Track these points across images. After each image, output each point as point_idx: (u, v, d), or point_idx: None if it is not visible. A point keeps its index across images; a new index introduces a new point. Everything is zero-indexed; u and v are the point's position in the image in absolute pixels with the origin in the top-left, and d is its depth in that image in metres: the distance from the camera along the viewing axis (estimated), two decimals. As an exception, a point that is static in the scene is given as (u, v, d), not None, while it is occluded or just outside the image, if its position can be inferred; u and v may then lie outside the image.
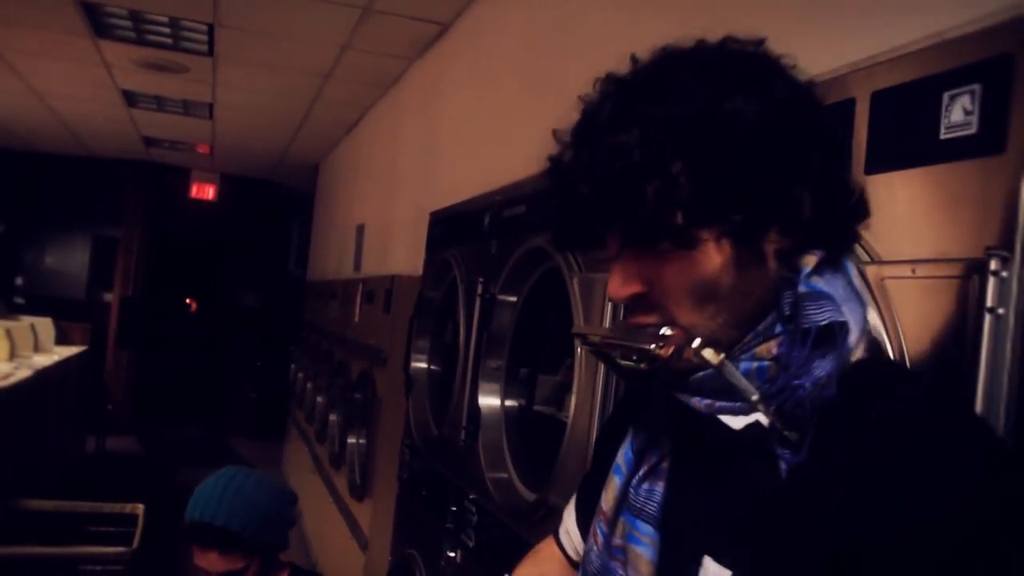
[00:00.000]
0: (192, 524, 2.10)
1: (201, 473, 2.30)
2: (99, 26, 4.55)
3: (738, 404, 0.81)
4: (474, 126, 3.43)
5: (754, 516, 0.78)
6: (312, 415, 5.87)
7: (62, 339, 6.73)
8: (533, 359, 2.43)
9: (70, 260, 9.63)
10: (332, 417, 5.08)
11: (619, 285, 0.83)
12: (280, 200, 10.15)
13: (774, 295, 0.81)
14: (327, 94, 5.44)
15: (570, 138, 0.84)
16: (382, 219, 4.95)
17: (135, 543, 3.46)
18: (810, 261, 0.80)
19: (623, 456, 0.95)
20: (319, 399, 5.68)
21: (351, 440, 4.46)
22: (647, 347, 0.81)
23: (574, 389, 1.80)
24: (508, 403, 2.39)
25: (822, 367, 0.78)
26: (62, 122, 7.41)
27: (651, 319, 0.83)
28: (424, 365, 3.20)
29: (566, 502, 1.80)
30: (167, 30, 4.54)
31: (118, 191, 9.40)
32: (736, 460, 0.81)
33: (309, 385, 6.17)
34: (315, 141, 7.12)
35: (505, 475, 2.22)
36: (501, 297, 2.35)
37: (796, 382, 0.78)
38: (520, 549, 2.02)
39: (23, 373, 4.63)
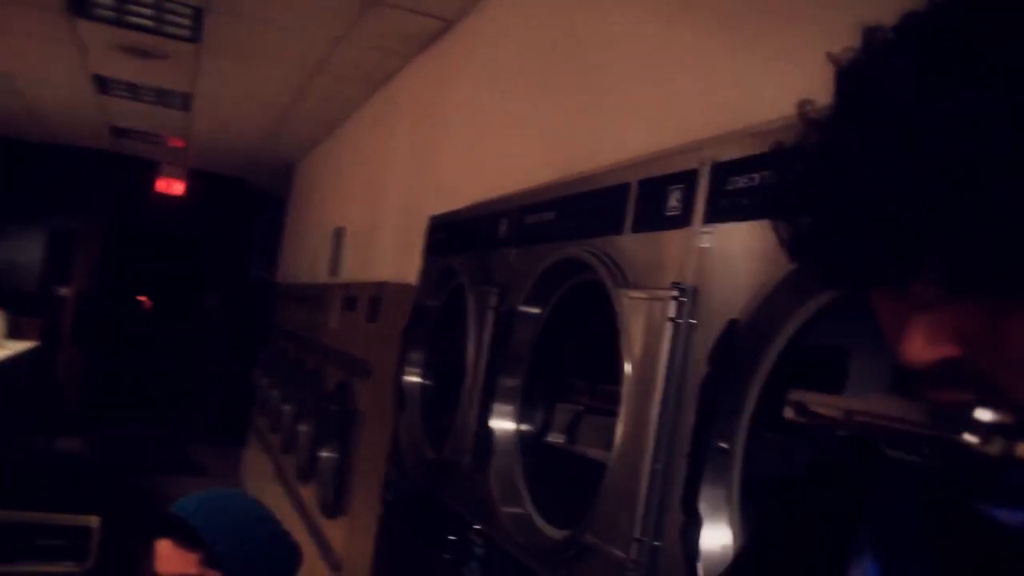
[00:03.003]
0: (167, 517, 1.97)
1: (157, 479, 2.14)
2: (76, 3, 4.28)
3: None
4: (482, 128, 3.24)
5: None
6: (278, 424, 5.62)
7: (14, 333, 6.42)
8: (552, 383, 2.24)
9: (23, 251, 9.22)
10: (302, 428, 4.83)
11: (925, 345, 0.54)
12: (249, 199, 9.86)
13: None
14: (314, 90, 5.22)
15: (840, 113, 0.56)
16: (366, 222, 4.74)
17: (90, 560, 3.18)
18: None
19: None
20: (286, 407, 5.43)
21: (324, 453, 4.22)
22: (961, 438, 0.56)
23: (620, 423, 1.61)
24: (523, 427, 2.19)
25: None
26: (24, 104, 7.07)
27: (964, 395, 0.56)
28: (418, 379, 2.99)
29: (604, 541, 1.63)
30: (151, 12, 4.28)
31: (79, 182, 9.03)
32: None
33: (275, 392, 5.92)
34: (295, 138, 6.87)
35: (522, 508, 2.02)
36: (522, 309, 2.16)
37: None
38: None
39: (-27, 367, 4.33)
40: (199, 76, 5.32)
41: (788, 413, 0.65)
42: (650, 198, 1.68)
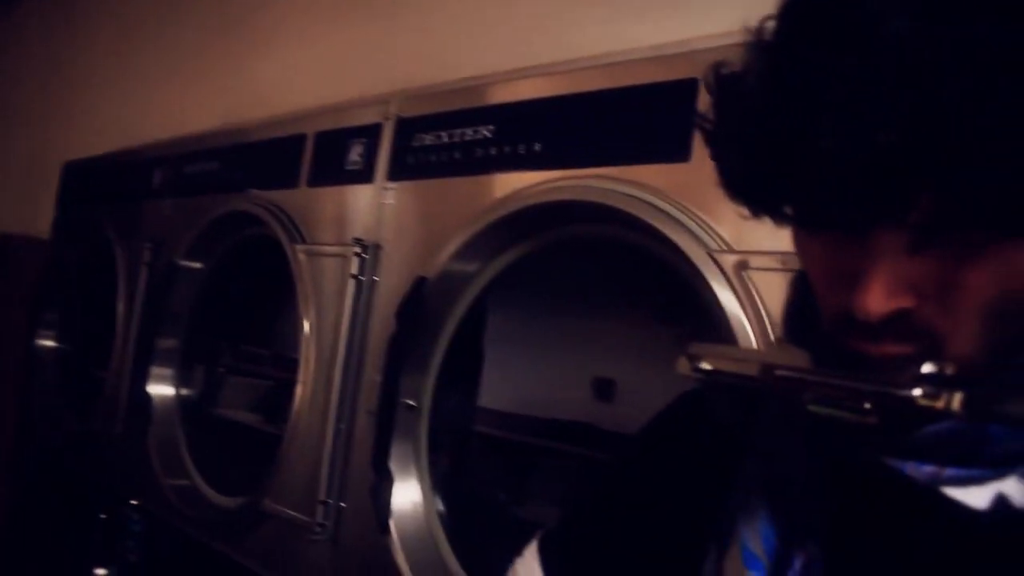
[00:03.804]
0: None
1: None
2: None
3: (976, 471, 0.54)
4: (130, 69, 2.95)
5: None
6: None
7: None
8: (206, 344, 2.12)
9: None
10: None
11: (885, 296, 0.50)
12: None
13: None
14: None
15: (808, 39, 0.48)
16: (-21, 166, 4.15)
17: None
18: None
19: (760, 541, 0.62)
20: None
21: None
22: (907, 394, 0.50)
23: (299, 383, 1.55)
24: (184, 392, 2.05)
25: None
26: None
27: (906, 348, 0.52)
28: (53, 343, 2.69)
29: (286, 506, 1.56)
30: None
31: None
32: (971, 555, 0.55)
33: None
34: None
35: (187, 479, 1.89)
36: (183, 264, 2.00)
37: None
38: (212, 561, 1.73)
39: None
40: None
41: (682, 367, 0.56)
42: (329, 151, 1.63)
